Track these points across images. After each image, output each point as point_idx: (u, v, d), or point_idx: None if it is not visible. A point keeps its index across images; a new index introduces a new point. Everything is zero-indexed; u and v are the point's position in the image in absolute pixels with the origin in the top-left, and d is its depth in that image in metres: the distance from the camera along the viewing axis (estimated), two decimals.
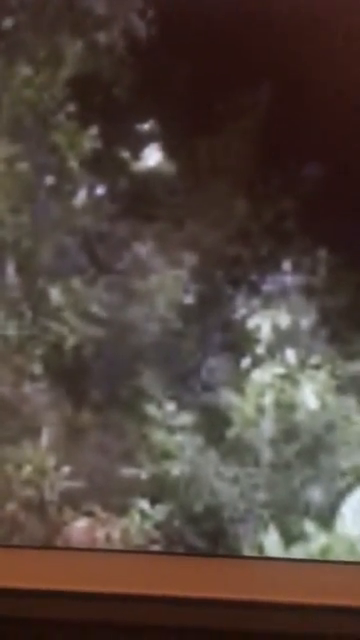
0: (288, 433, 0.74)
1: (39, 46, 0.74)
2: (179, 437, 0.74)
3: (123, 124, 0.75)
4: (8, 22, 0.75)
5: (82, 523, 0.74)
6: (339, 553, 0.72)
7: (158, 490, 0.73)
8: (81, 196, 0.75)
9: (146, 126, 0.75)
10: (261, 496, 0.73)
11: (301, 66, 0.71)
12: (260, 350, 0.75)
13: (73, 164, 0.75)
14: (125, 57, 0.74)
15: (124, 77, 0.74)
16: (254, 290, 0.74)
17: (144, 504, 0.73)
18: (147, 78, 0.74)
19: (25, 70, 0.74)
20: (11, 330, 0.75)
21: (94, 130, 0.75)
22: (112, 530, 0.73)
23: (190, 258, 0.75)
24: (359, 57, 0.71)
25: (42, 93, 0.74)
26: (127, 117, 0.75)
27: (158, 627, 0.66)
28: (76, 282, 0.75)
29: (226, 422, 0.74)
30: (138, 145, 0.75)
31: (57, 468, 0.74)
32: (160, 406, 0.74)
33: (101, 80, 0.74)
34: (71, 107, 0.75)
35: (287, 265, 0.74)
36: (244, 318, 0.75)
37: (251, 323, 0.75)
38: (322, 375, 0.74)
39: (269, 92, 0.73)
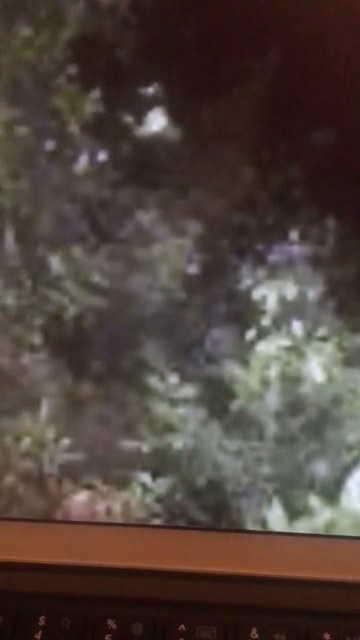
0: (293, 406, 0.73)
1: (39, 6, 0.72)
2: (182, 410, 0.73)
3: (126, 87, 0.72)
4: None
5: (82, 496, 0.73)
6: (344, 528, 0.72)
7: (160, 463, 0.73)
8: (82, 162, 0.73)
9: (150, 90, 0.72)
10: (265, 470, 0.72)
11: (312, 29, 0.69)
12: (265, 321, 0.73)
13: (74, 129, 0.73)
14: (128, 18, 0.71)
15: (127, 39, 0.72)
16: (260, 260, 0.73)
17: (145, 477, 0.73)
18: (151, 40, 0.71)
19: (25, 31, 0.72)
20: (10, 299, 0.74)
21: (96, 93, 0.73)
22: (113, 503, 0.73)
23: (194, 227, 0.73)
24: None
25: (42, 55, 0.72)
26: (130, 80, 0.72)
27: (159, 601, 0.65)
28: (77, 251, 0.73)
29: (230, 395, 0.73)
30: (141, 109, 0.72)
31: (56, 440, 0.73)
32: (162, 378, 0.73)
33: (103, 42, 0.72)
34: (72, 69, 0.72)
35: (294, 234, 0.73)
36: (249, 289, 0.73)
37: (256, 294, 0.73)
38: (329, 347, 0.73)
39: (278, 55, 0.70)
